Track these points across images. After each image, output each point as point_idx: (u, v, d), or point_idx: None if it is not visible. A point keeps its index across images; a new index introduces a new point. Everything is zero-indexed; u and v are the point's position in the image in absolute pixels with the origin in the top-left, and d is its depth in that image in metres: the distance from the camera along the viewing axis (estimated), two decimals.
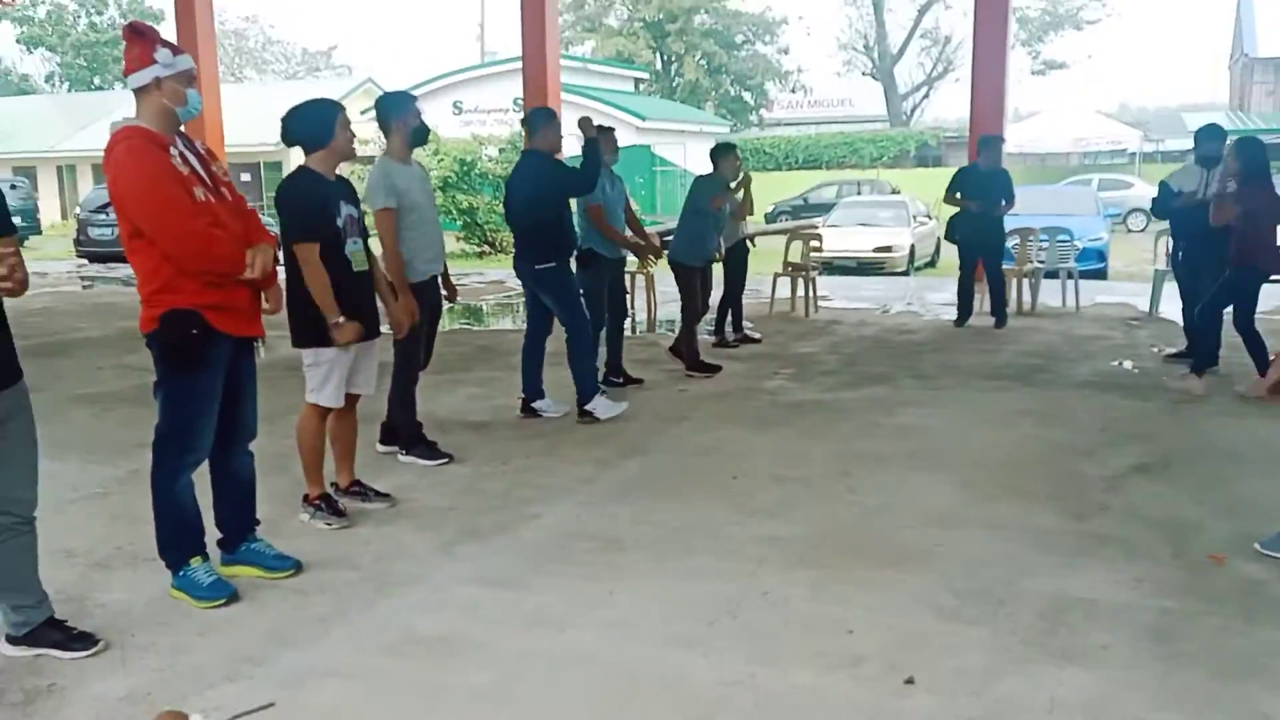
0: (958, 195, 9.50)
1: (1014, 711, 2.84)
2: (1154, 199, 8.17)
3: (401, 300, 4.80)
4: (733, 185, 8.12)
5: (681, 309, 7.80)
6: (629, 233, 7.02)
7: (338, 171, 4.38)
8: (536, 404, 6.33)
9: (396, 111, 5.13)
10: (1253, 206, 6.41)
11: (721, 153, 8.11)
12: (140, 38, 3.44)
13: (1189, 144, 8.93)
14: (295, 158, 4.31)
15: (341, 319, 4.17)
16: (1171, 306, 9.86)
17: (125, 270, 17.23)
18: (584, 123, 6.30)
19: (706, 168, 8.24)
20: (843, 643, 3.26)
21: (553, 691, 3.01)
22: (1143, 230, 23.98)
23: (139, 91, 3.45)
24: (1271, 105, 34.68)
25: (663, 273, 10.99)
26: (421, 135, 5.22)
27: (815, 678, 3.05)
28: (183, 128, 3.58)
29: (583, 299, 6.24)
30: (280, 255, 3.94)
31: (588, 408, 6.13)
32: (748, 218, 8.69)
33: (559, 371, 6.50)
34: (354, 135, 4.31)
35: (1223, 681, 2.98)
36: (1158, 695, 2.91)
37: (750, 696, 2.95)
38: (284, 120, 4.22)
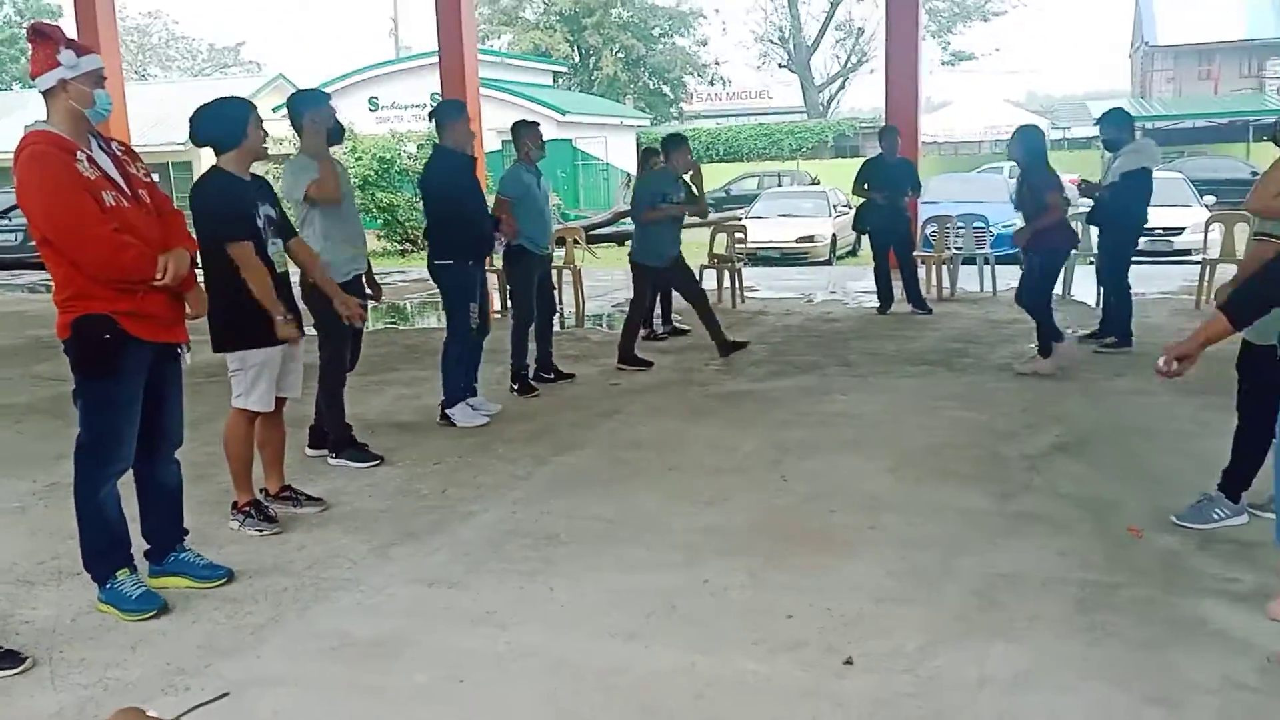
0: (865, 186, 9.69)
1: (947, 686, 2.92)
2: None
3: (341, 298, 4.71)
4: (687, 179, 7.90)
5: (630, 307, 7.75)
6: (555, 229, 7.00)
7: (253, 170, 4.30)
8: (469, 401, 6.27)
9: (308, 108, 5.06)
10: (1040, 193, 6.78)
11: (673, 144, 7.61)
12: (43, 39, 3.33)
13: (1094, 131, 9.28)
14: (206, 158, 4.21)
15: (288, 315, 4.11)
16: (1082, 289, 10.20)
17: (30, 277, 16.62)
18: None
19: (626, 161, 8.22)
20: (782, 628, 3.31)
21: (496, 689, 3.00)
22: None
23: (46, 94, 3.35)
24: (1171, 91, 35.97)
25: (590, 268, 11.01)
26: (336, 135, 5.15)
27: (756, 663, 3.09)
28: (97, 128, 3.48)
29: (511, 295, 6.20)
30: (198, 259, 3.86)
31: (448, 412, 6.07)
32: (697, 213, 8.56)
33: (493, 369, 6.47)
34: (266, 134, 4.23)
35: (1146, 650, 3.10)
36: (1084, 665, 3.02)
37: (693, 684, 2.98)
38: (192, 120, 4.11)
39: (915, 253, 10.38)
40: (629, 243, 8.96)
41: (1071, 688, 2.89)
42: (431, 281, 6.22)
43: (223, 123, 4.11)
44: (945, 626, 3.29)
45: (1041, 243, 6.86)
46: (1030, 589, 3.54)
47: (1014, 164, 7.89)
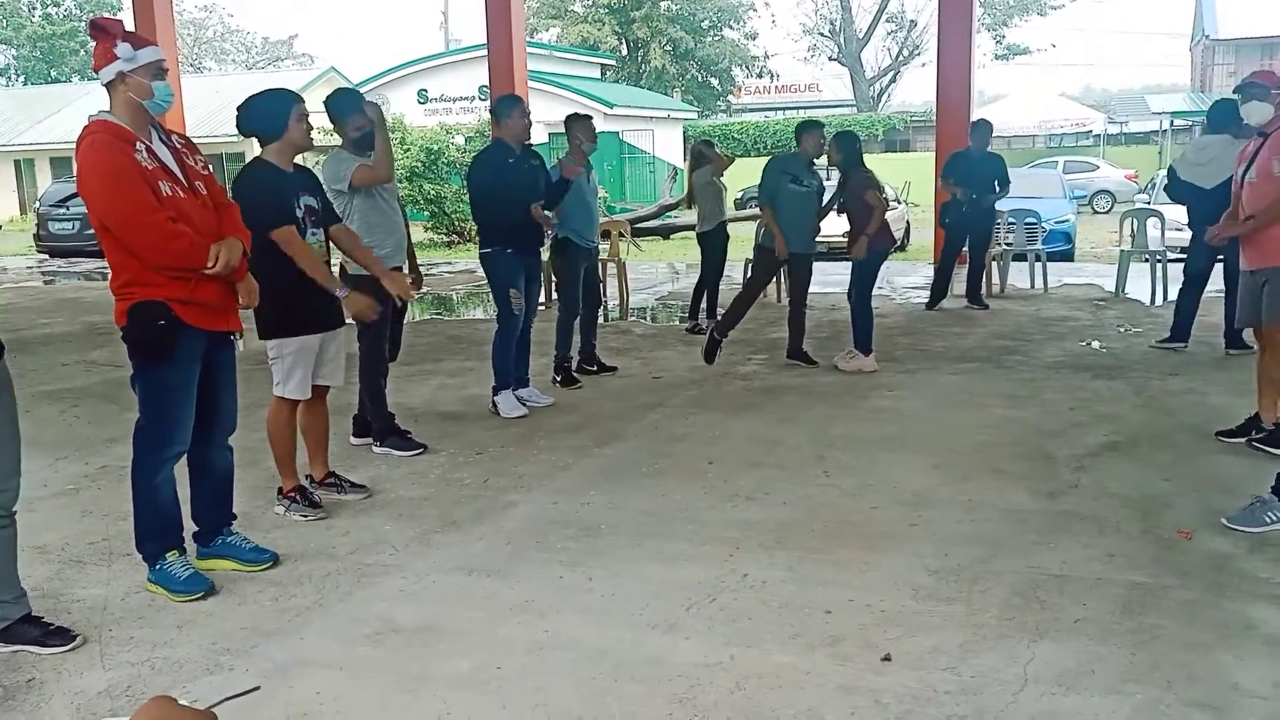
0: (950, 181, 9.51)
1: (989, 685, 2.88)
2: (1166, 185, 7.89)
3: (390, 276, 4.74)
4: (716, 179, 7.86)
5: (744, 288, 7.71)
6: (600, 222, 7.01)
7: (298, 161, 4.35)
8: (520, 392, 6.31)
9: (343, 115, 5.09)
10: (861, 192, 6.95)
11: (806, 129, 7.30)
12: (102, 33, 3.41)
13: (1152, 125, 9.06)
14: (258, 150, 4.28)
15: (347, 291, 4.20)
16: (1137, 287, 10.01)
17: (87, 265, 17.00)
18: (567, 165, 6.32)
19: (674, 154, 8.19)
20: (821, 623, 3.30)
21: (535, 677, 3.02)
22: (1108, 212, 24.22)
23: (107, 86, 3.43)
24: (1232, 86, 35.20)
25: (634, 261, 11.01)
26: (364, 142, 5.09)
27: (794, 658, 3.08)
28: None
29: (559, 288, 6.21)
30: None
31: (495, 400, 6.12)
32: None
33: (537, 359, 6.49)
34: (310, 127, 4.28)
35: (1192, 653, 3.04)
36: (1129, 667, 2.96)
37: (730, 677, 2.98)
38: (238, 111, 4.19)
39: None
40: (693, 230, 8.96)
41: (1116, 690, 2.85)
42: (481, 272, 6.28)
43: (265, 115, 4.17)
44: (988, 625, 3.25)
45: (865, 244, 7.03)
46: (1076, 589, 3.49)
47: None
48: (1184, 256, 7.58)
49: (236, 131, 4.23)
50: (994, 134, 10.02)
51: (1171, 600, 3.40)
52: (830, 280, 12.21)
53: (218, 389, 3.71)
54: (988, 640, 3.14)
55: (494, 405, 6.13)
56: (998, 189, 9.50)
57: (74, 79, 41.98)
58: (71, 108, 31.11)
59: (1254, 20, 34.18)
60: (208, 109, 25.38)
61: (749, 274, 7.79)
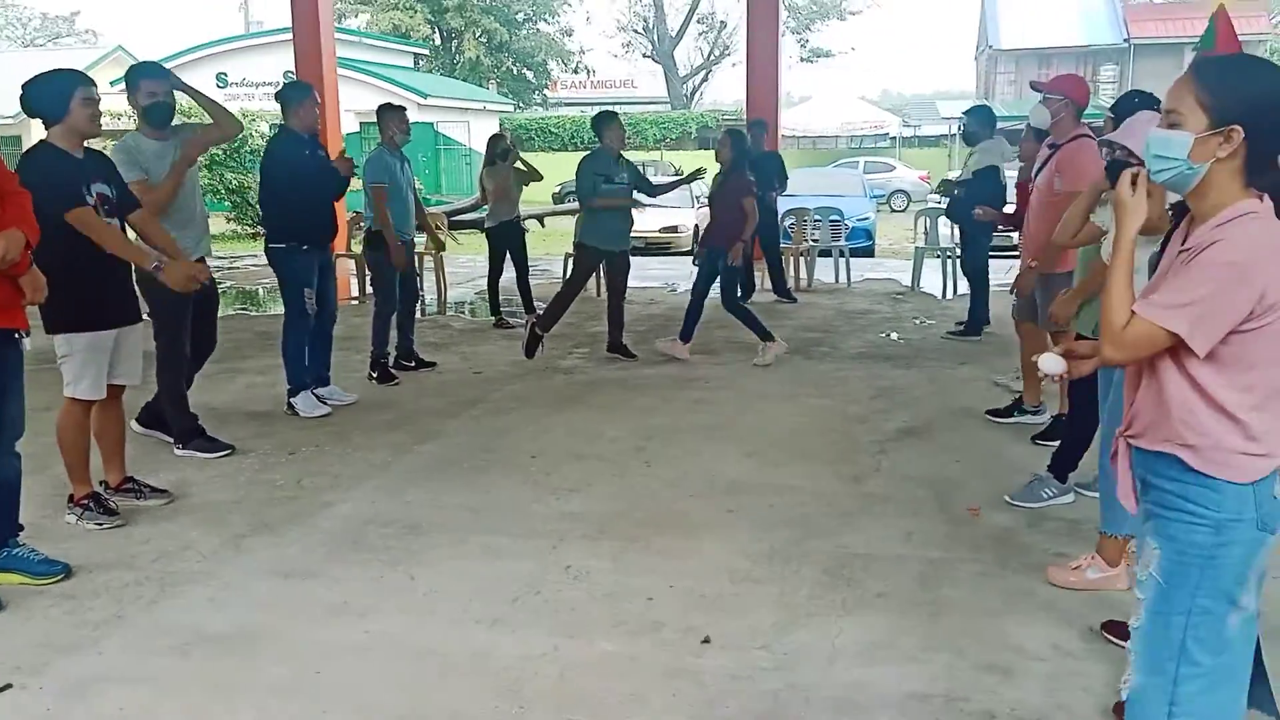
0: None
1: (801, 661, 3.03)
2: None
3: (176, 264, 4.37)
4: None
5: (564, 285, 7.66)
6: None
7: (91, 145, 4.09)
8: (320, 391, 6.09)
9: (132, 83, 4.89)
10: (737, 196, 7.11)
11: (604, 122, 7.42)
12: None
13: (942, 129, 9.71)
14: (37, 131, 4.00)
15: (164, 259, 3.97)
16: (930, 281, 10.66)
17: None
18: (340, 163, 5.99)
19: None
20: (643, 610, 3.37)
21: (358, 679, 2.96)
22: (904, 210, 25.62)
23: None
24: (1013, 93, 37.78)
25: (451, 254, 10.86)
26: (156, 114, 4.86)
27: (618, 645, 3.14)
28: None
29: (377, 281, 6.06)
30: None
31: (291, 401, 5.90)
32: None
33: (352, 356, 6.31)
34: (97, 112, 4.03)
35: (982, 620, 3.29)
36: (928, 637, 3.18)
37: (555, 667, 3.01)
38: (23, 89, 3.96)
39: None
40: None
41: (916, 659, 3.05)
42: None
43: (49, 96, 3.93)
44: (799, 604, 3.41)
45: (718, 241, 7.14)
46: (879, 567, 3.71)
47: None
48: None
49: (20, 110, 3.93)
50: (801, 134, 10.44)
51: (963, 573, 3.66)
52: (648, 275, 12.43)
53: (3, 391, 3.44)
54: (800, 619, 3.30)
55: (290, 406, 5.89)
56: (777, 185, 9.90)
57: None
58: None
59: (1032, 32, 36.96)
60: None
61: (569, 270, 7.80)
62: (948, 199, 8.57)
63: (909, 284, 10.95)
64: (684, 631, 3.22)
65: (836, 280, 11.30)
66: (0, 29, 52.52)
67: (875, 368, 7.04)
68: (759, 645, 3.13)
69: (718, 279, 7.16)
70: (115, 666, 3.02)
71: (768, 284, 10.19)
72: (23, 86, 3.94)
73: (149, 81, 4.88)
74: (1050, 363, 2.29)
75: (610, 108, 9.76)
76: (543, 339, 7.35)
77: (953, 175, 8.63)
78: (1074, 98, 5.03)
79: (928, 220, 11.15)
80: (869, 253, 14.69)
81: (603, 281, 10.67)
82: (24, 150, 4.12)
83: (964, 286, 8.72)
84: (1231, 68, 2.04)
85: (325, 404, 5.97)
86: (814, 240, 11.66)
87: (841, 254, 11.50)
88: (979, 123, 8.02)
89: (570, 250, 10.63)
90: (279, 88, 6.07)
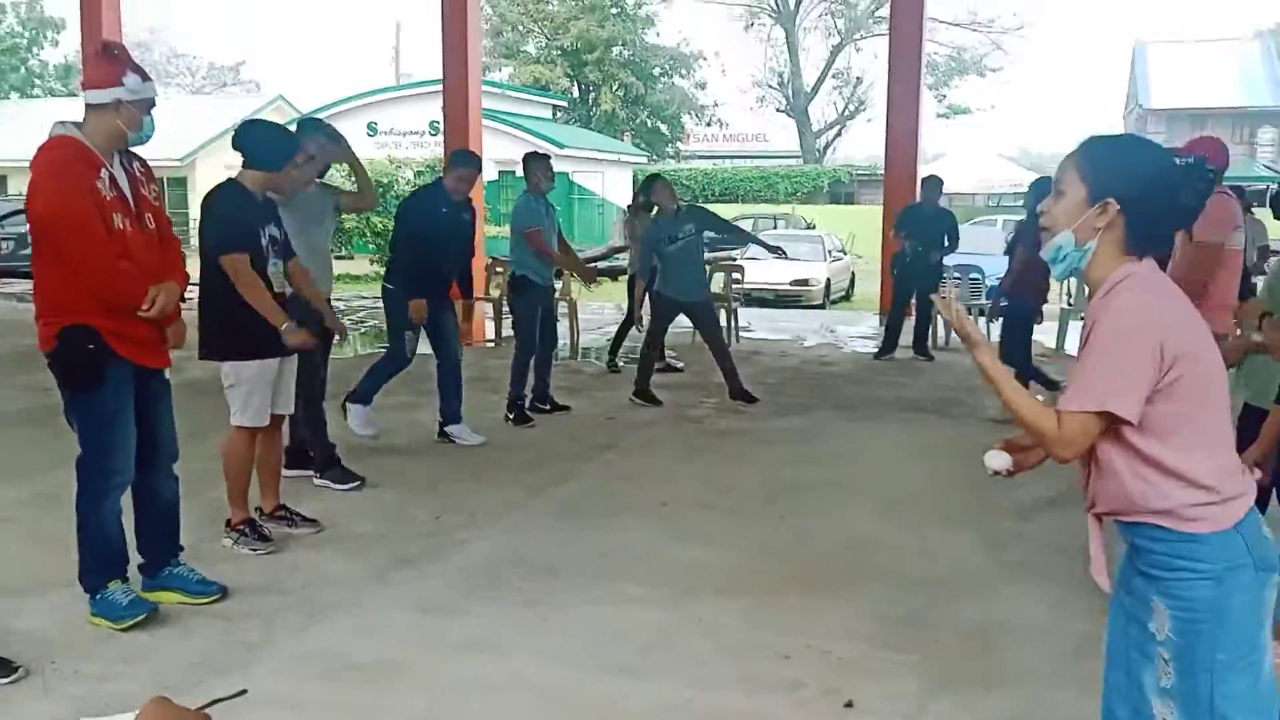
0: (901, 234, 9.72)
1: None
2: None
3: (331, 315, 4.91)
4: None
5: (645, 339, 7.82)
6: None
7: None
8: (451, 429, 6.29)
9: (307, 136, 5.10)
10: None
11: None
12: (112, 59, 3.42)
13: None
14: (202, 175, 4.30)
15: (293, 324, 4.16)
16: (1074, 343, 10.29)
17: (21, 286, 16.54)
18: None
19: (623, 196, 8.24)
20: (778, 668, 3.32)
21: (490, 717, 2.99)
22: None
23: (94, 106, 3.39)
24: None
25: (584, 301, 11.06)
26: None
27: (754, 702, 3.09)
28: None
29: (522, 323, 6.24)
30: (198, 274, 3.91)
31: (348, 406, 6.05)
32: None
33: (488, 397, 6.46)
34: (300, 177, 4.32)
35: None
36: (1079, 715, 3.02)
37: None
38: (245, 127, 4.29)
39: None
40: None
41: None
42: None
43: (272, 149, 4.26)
44: (941, 673, 3.29)
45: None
46: (1023, 638, 3.56)
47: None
48: None
49: (232, 146, 4.24)
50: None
51: None
52: (780, 327, 12.40)
53: (154, 416, 3.64)
54: (943, 687, 3.19)
55: (443, 434, 6.23)
56: (947, 243, 9.72)
57: (14, 96, 41.10)
58: (10, 125, 30.40)
59: (1186, 92, 35.59)
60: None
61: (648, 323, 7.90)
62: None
63: (1054, 345, 10.60)
64: (823, 692, 3.14)
65: None
66: (172, 76, 56.38)
67: (1016, 431, 6.79)
68: (902, 713, 3.03)
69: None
70: (265, 689, 3.12)
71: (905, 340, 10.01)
72: (246, 124, 4.29)
73: (318, 140, 5.13)
74: (993, 458, 2.27)
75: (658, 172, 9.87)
76: (650, 393, 7.51)
77: None
78: (1216, 162, 4.92)
79: (1073, 281, 10.78)
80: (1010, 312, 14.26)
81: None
82: (186, 190, 4.42)
83: None
84: (1116, 145, 2.10)
85: (453, 440, 6.20)
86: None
87: (981, 312, 11.21)
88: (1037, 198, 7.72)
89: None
90: (440, 136, 6.41)
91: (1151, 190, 1.98)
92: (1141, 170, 1.99)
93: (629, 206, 9.40)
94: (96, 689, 3.09)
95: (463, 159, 6.17)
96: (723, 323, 10.69)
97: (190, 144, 28.87)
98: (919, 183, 10.55)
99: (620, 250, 18.73)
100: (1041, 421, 2.00)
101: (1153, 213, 1.99)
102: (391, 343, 6.14)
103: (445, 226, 5.99)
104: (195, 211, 4.31)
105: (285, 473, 5.35)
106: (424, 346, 6.18)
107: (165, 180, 27.00)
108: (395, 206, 20.00)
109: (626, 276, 9.35)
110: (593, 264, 18.45)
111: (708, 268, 8.48)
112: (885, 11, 29.32)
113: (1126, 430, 1.94)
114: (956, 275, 11.50)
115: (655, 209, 7.63)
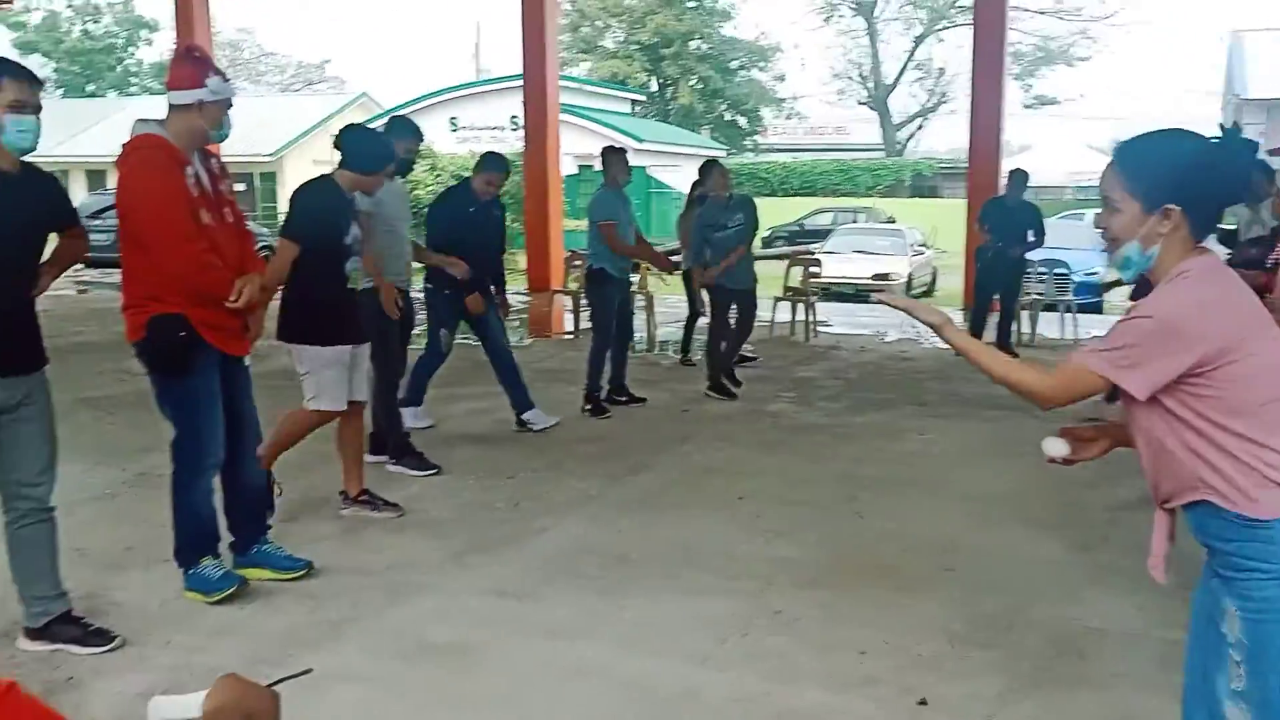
0: (984, 227, 9.52)
1: None
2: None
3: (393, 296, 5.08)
4: None
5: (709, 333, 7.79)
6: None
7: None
8: (526, 415, 6.37)
9: (398, 136, 5.31)
10: None
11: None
12: (196, 62, 3.53)
13: None
14: (290, 170, 4.45)
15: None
16: None
17: (120, 276, 17.18)
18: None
19: None
20: (856, 664, 3.28)
21: (568, 702, 3.02)
22: None
23: (177, 106, 3.49)
24: (1263, 146, 35.19)
25: (661, 294, 11.06)
26: (404, 166, 5.43)
27: (831, 697, 3.07)
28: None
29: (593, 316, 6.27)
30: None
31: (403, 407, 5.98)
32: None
33: (565, 388, 6.50)
34: (387, 180, 4.52)
35: None
36: None
37: (767, 713, 2.97)
38: (348, 130, 4.51)
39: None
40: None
41: None
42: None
43: (372, 153, 4.44)
44: (1024, 674, 3.23)
45: None
46: (1112, 642, 3.46)
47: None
48: None
49: (333, 146, 4.45)
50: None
51: None
52: (859, 322, 12.25)
53: (238, 402, 3.76)
54: (1026, 689, 3.13)
55: (521, 423, 6.34)
56: (1031, 238, 9.48)
57: (110, 94, 42.57)
58: (107, 122, 31.52)
59: None
60: (243, 128, 25.65)
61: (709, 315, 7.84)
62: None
63: None
64: (899, 690, 3.10)
65: (1062, 336, 10.75)
66: (262, 75, 57.90)
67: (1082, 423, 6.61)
68: (981, 714, 2.98)
69: None
70: (349, 665, 3.20)
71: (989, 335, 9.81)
72: (351, 127, 4.53)
73: (408, 141, 5.36)
74: (1051, 445, 2.23)
75: (716, 156, 9.74)
76: (726, 385, 7.46)
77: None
78: None
79: None
80: (1097, 309, 13.88)
81: (798, 325, 10.59)
82: (275, 184, 4.59)
83: None
84: (1149, 150, 2.03)
85: (531, 427, 6.31)
86: (1038, 294, 11.14)
87: (1068, 309, 10.94)
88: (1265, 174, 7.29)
89: (780, 294, 10.65)
90: (520, 130, 6.50)
91: (1200, 179, 1.97)
92: (1182, 165, 1.97)
93: (686, 200, 9.32)
94: (188, 659, 3.20)
95: (491, 162, 6.19)
96: (799, 316, 10.65)
97: (280, 140, 29.66)
98: (1005, 175, 10.29)
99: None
100: (1016, 375, 2.05)
101: (1209, 198, 2.00)
102: (430, 340, 6.26)
103: (474, 226, 6.04)
104: (285, 206, 4.49)
105: (367, 458, 5.50)
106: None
107: (257, 175, 27.83)
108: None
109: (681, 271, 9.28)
110: (671, 256, 18.47)
111: (785, 261, 8.41)
112: (968, 1, 28.76)
113: (1176, 407, 1.94)
114: (1043, 270, 11.24)
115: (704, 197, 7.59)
